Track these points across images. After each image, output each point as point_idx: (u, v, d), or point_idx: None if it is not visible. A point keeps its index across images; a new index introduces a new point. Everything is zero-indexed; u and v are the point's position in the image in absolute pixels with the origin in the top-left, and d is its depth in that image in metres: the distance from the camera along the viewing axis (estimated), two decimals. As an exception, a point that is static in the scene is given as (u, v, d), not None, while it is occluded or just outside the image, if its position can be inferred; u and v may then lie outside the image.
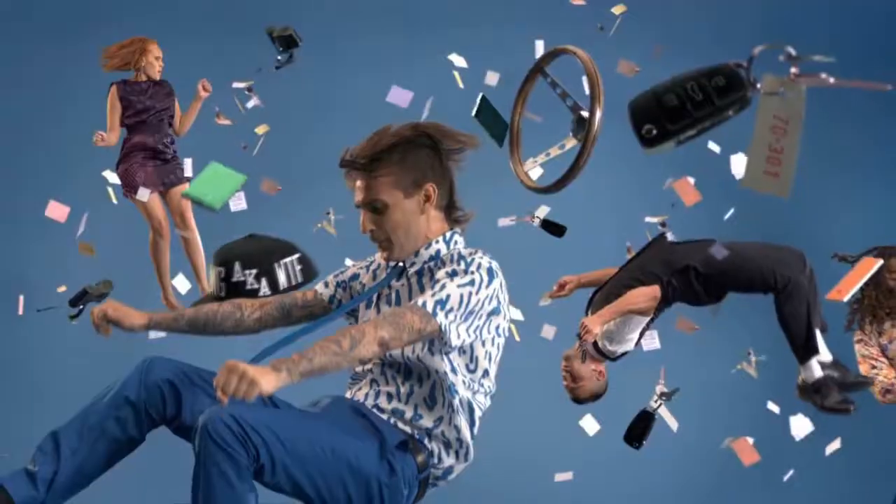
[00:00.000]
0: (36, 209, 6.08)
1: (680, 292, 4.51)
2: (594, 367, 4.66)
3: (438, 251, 2.64)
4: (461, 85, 4.46)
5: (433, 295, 2.47)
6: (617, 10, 4.95)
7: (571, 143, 3.31)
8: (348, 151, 2.62)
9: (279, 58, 4.36)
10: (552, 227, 4.49)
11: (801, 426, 4.49)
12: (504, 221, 4.69)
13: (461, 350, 2.58)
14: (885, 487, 6.22)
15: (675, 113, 1.86)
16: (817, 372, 4.37)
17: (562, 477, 5.03)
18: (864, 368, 4.72)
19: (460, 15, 6.93)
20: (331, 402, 2.69)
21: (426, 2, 6.98)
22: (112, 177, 5.60)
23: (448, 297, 2.47)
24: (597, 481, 6.43)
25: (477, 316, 2.51)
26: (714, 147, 4.82)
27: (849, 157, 6.84)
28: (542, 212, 4.62)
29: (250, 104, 5.01)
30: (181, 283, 5.29)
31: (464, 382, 2.59)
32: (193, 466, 2.34)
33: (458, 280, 2.50)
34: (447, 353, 2.56)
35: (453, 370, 2.57)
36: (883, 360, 4.66)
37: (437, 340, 2.51)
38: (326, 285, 2.85)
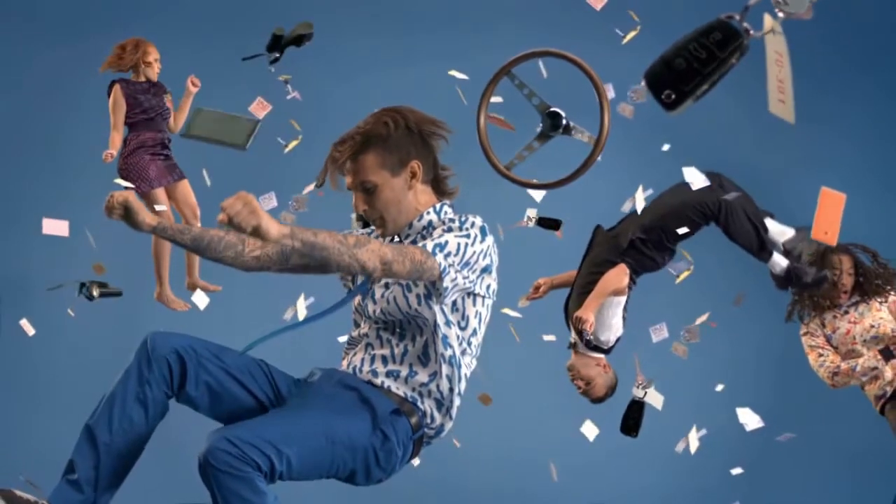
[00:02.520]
0: (38, 211, 6.07)
1: (639, 265, 4.70)
2: (597, 364, 4.78)
3: (430, 222, 2.76)
4: (465, 101, 4.51)
5: (432, 240, 2.61)
6: (634, 15, 5.02)
7: (541, 141, 3.47)
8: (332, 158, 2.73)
9: (275, 56, 4.38)
10: (548, 223, 4.58)
11: (749, 419, 4.54)
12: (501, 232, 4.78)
13: (454, 307, 2.70)
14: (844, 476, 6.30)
15: (686, 74, 2.05)
16: (783, 262, 4.68)
17: (553, 471, 5.09)
18: (812, 358, 4.95)
19: (460, 17, 6.97)
20: (321, 377, 2.79)
21: (426, 4, 7.01)
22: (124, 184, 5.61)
23: (447, 242, 2.60)
24: (597, 478, 6.46)
25: (471, 269, 2.64)
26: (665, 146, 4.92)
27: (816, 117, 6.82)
28: (533, 212, 4.70)
29: (289, 97, 5.03)
30: (200, 299, 5.29)
31: (456, 336, 2.71)
32: (210, 498, 2.43)
33: (454, 233, 2.64)
34: (442, 306, 2.67)
35: (447, 323, 2.69)
36: (829, 348, 4.92)
37: (432, 290, 2.64)
38: None
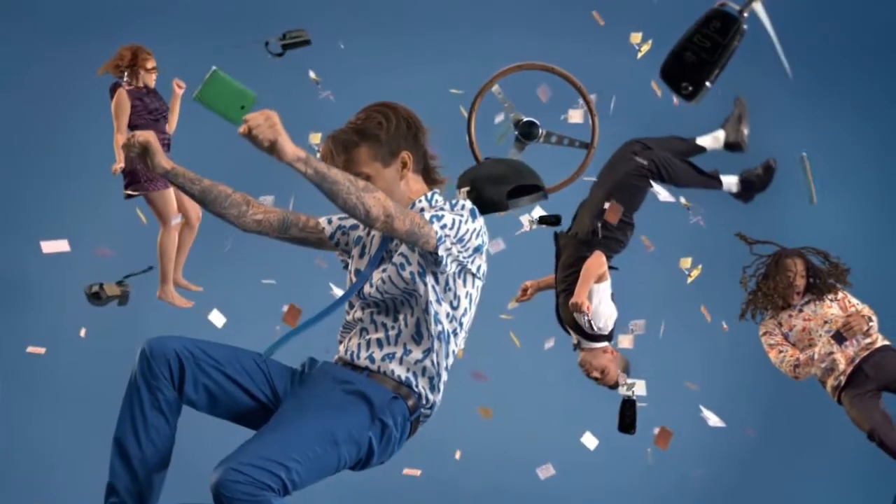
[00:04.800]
0: (39, 214, 6.09)
1: (608, 248, 4.82)
2: (604, 351, 4.89)
3: (422, 209, 2.82)
4: (465, 114, 4.59)
5: (429, 213, 2.70)
6: (634, 38, 5.12)
7: (519, 149, 3.72)
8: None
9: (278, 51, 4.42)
10: (549, 220, 4.65)
11: (711, 417, 4.93)
12: (497, 246, 4.91)
13: (447, 287, 2.77)
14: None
15: (697, 65, 2.25)
16: (733, 179, 5.01)
17: (545, 473, 5.14)
18: (773, 355, 5.29)
19: (463, 20, 7.00)
20: (315, 374, 2.82)
21: (427, 5, 7.03)
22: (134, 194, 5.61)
23: (443, 216, 2.69)
24: (591, 478, 6.46)
25: (465, 246, 2.72)
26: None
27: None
28: (528, 217, 4.79)
29: (322, 96, 5.06)
30: (217, 318, 5.30)
31: (447, 314, 2.78)
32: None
33: (447, 211, 2.73)
34: (436, 277, 2.75)
35: (438, 301, 2.76)
36: (787, 345, 5.27)
37: (426, 265, 2.72)
38: (330, 222, 2.99)
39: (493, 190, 4.01)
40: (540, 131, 3.77)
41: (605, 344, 4.87)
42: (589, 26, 5.37)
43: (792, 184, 5.14)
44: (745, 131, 5.01)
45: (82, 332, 5.89)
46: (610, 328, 4.83)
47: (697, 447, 6.45)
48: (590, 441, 4.85)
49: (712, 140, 5.06)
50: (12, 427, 6.51)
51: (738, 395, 6.79)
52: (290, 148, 2.45)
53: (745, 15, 2.21)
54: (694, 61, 2.23)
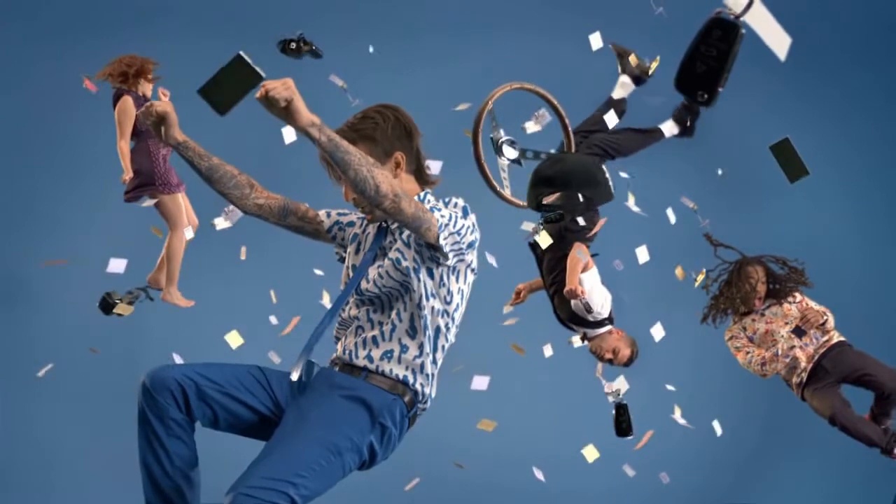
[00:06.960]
0: (40, 215, 6.06)
1: (585, 239, 4.94)
2: (609, 333, 5.11)
3: None
4: (468, 134, 4.64)
5: (428, 206, 2.76)
6: (631, 59, 5.24)
7: (503, 164, 4.00)
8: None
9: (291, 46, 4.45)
10: (553, 219, 4.72)
11: (680, 420, 5.28)
12: (490, 259, 5.00)
13: (440, 282, 2.83)
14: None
15: (708, 74, 2.43)
16: (669, 123, 5.25)
17: (539, 474, 5.18)
18: (740, 357, 5.58)
19: (465, 21, 7.01)
20: (313, 381, 2.84)
21: (428, 7, 7.04)
22: (145, 208, 5.60)
23: (440, 209, 2.77)
24: (585, 479, 6.48)
25: (462, 238, 2.78)
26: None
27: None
28: (530, 225, 4.83)
29: (354, 103, 5.09)
30: (233, 339, 5.31)
31: (438, 309, 2.84)
32: None
33: (442, 207, 2.80)
34: (430, 273, 2.81)
35: (430, 296, 2.82)
36: (752, 346, 5.58)
37: (423, 258, 2.79)
38: (329, 215, 3.08)
39: (534, 192, 4.18)
40: (514, 150, 3.94)
41: (609, 327, 5.08)
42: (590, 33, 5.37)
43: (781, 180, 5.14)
44: (635, 61, 5.18)
45: (92, 350, 5.92)
46: (608, 310, 5.01)
47: (697, 448, 6.48)
48: (591, 454, 4.90)
49: (621, 88, 5.26)
50: (15, 429, 6.52)
51: (735, 398, 6.82)
52: (305, 111, 2.50)
53: (741, 19, 2.38)
54: (704, 70, 2.41)
